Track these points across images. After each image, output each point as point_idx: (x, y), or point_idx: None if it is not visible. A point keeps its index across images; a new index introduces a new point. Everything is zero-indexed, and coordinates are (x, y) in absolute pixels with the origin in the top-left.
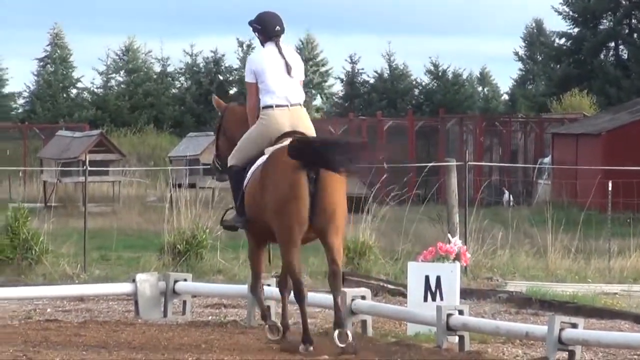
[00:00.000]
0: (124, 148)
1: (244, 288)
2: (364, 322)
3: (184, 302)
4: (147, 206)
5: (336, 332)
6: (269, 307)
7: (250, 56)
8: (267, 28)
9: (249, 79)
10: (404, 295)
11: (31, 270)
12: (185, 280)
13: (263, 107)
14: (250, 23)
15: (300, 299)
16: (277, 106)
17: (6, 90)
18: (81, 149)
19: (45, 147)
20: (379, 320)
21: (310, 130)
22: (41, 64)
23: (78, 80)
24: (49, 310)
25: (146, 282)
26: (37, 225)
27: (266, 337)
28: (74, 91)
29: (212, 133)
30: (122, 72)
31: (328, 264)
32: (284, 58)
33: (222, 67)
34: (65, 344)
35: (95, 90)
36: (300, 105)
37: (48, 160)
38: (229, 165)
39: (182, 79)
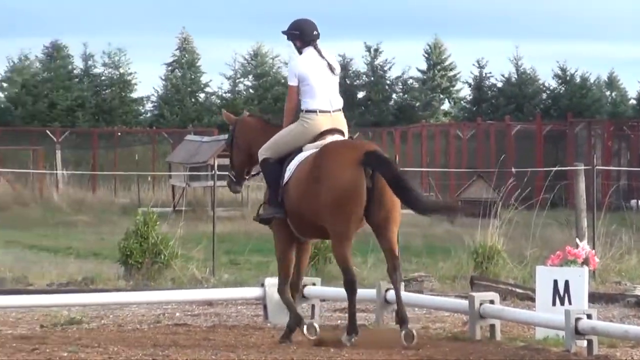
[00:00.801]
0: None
1: (372, 292)
2: (492, 326)
3: (313, 306)
4: None
5: (403, 333)
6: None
7: (294, 61)
8: (305, 33)
9: (292, 82)
10: (532, 300)
11: (160, 275)
12: (313, 284)
13: (306, 110)
14: (287, 31)
15: (352, 291)
16: (320, 111)
17: (135, 94)
18: (210, 153)
19: (174, 151)
20: (507, 324)
21: (347, 134)
22: (169, 68)
23: (206, 84)
24: (177, 314)
25: (275, 286)
26: (166, 229)
27: (307, 338)
28: (202, 95)
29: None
30: (250, 77)
31: (388, 258)
32: (325, 59)
33: (350, 72)
34: (194, 347)
35: (223, 94)
36: (340, 110)
37: (177, 165)
38: (262, 157)
39: None
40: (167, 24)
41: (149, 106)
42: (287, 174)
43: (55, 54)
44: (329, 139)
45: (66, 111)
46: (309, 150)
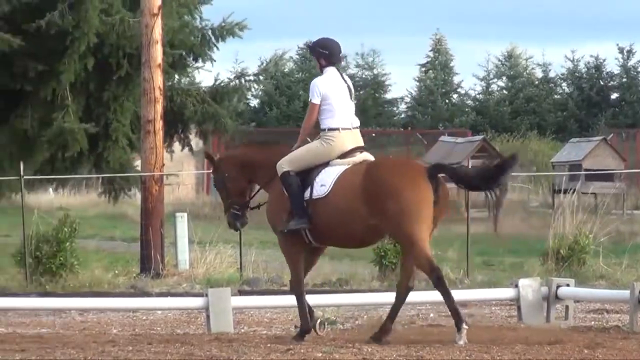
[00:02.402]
0: (505, 154)
1: (626, 294)
2: None
3: (567, 307)
4: (530, 211)
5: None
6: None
7: (318, 80)
8: (333, 54)
9: (315, 100)
10: None
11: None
12: (567, 285)
13: (329, 129)
14: (315, 47)
15: (442, 285)
16: (343, 129)
17: (389, 95)
18: (464, 154)
19: (428, 152)
20: None
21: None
22: (423, 69)
23: (458, 85)
24: (432, 315)
25: (529, 287)
26: None
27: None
28: (455, 97)
29: (593, 139)
30: (503, 78)
31: (407, 279)
32: (346, 82)
33: (604, 73)
34: (447, 348)
35: (476, 96)
36: (358, 128)
37: None
38: (283, 170)
39: (564, 84)
40: (421, 25)
41: (402, 107)
42: (321, 188)
43: (309, 54)
44: (359, 156)
45: None
46: (341, 166)
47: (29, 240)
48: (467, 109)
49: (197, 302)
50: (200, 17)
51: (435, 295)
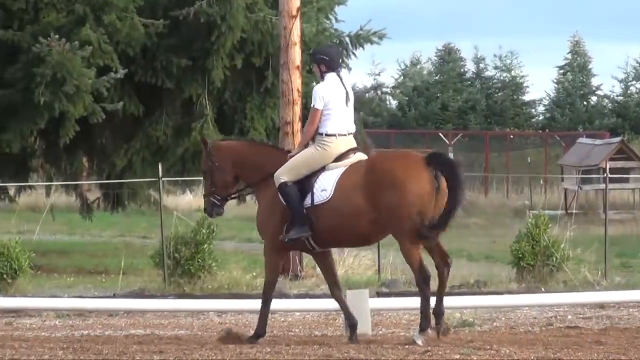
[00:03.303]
0: None
1: None
2: None
3: None
4: None
5: (438, 328)
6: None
7: (321, 85)
8: (334, 60)
9: (318, 105)
10: None
11: (552, 277)
12: None
13: (327, 134)
14: (316, 54)
15: (427, 288)
16: (339, 135)
17: (527, 97)
18: (602, 156)
19: (565, 154)
20: None
21: None
22: (561, 71)
23: (597, 87)
24: (569, 317)
25: None
26: (558, 232)
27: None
28: (594, 99)
29: None
30: None
31: (441, 255)
32: (345, 88)
33: None
34: (585, 350)
35: (615, 97)
36: (352, 134)
37: (569, 168)
38: (281, 182)
39: None
40: (559, 27)
41: (540, 109)
42: (322, 194)
43: (447, 56)
44: (354, 157)
45: (457, 113)
46: (338, 168)
47: (167, 242)
48: (606, 111)
49: (335, 304)
50: (336, 19)
51: (572, 297)
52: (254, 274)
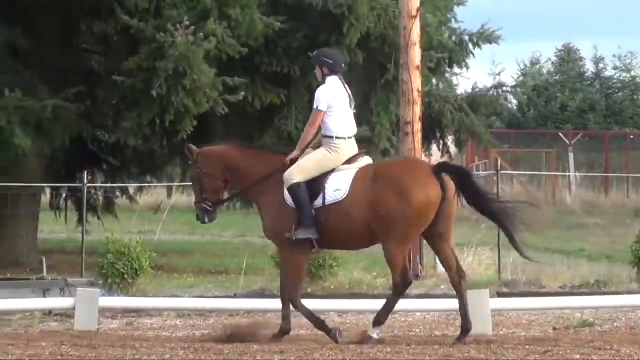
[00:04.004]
0: None
1: None
2: None
3: None
4: None
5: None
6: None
7: (325, 88)
8: (337, 64)
9: (322, 107)
10: None
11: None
12: None
13: (336, 137)
14: (319, 56)
15: (404, 292)
16: (347, 138)
17: None
18: None
19: None
20: None
21: None
22: None
23: None
24: None
25: None
26: None
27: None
28: None
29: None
30: None
31: (455, 267)
32: (347, 92)
33: None
34: None
35: None
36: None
37: None
38: (293, 182)
39: None
40: None
41: None
42: (336, 193)
43: (567, 56)
44: (363, 160)
45: (577, 113)
46: (350, 170)
47: None
48: None
49: (455, 304)
50: (455, 19)
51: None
52: (375, 274)
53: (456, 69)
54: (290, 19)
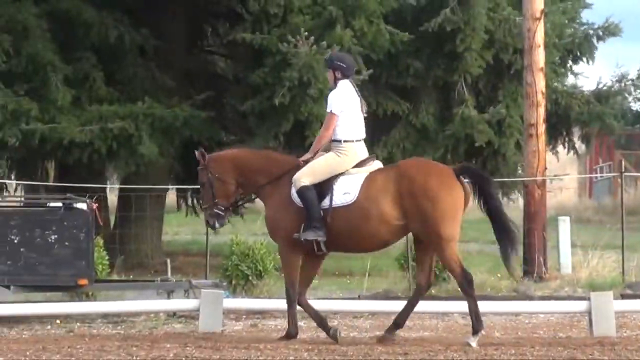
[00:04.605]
0: None
1: None
2: None
3: None
4: None
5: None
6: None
7: (337, 92)
8: (349, 68)
9: (336, 111)
10: None
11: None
12: None
13: (344, 140)
14: (332, 60)
15: (473, 289)
16: (356, 141)
17: None
18: None
19: None
20: None
21: None
22: None
23: None
24: None
25: None
26: None
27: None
28: None
29: None
30: None
31: (428, 274)
32: (359, 96)
33: None
34: None
35: None
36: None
37: None
38: (302, 184)
39: None
40: None
41: None
42: (345, 196)
43: None
44: (374, 164)
45: None
46: (360, 174)
47: (412, 244)
48: None
49: (579, 305)
50: (580, 19)
51: None
52: (499, 275)
53: (581, 66)
54: (409, 38)
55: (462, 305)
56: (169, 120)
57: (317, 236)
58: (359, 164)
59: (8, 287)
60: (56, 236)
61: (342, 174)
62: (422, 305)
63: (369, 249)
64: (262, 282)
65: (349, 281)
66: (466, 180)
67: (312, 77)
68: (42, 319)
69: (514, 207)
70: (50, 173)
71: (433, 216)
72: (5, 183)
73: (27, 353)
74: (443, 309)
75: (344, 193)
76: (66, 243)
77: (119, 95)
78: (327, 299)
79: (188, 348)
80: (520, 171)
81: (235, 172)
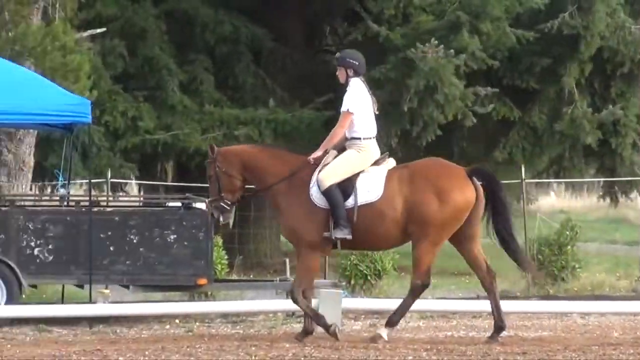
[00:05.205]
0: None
1: None
2: None
3: None
4: None
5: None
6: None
7: (352, 90)
8: (361, 65)
9: (353, 109)
10: None
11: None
12: None
13: (364, 138)
14: (345, 57)
15: (420, 294)
16: (373, 138)
17: None
18: None
19: None
20: None
21: None
22: None
23: None
24: None
25: None
26: None
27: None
28: None
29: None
30: None
31: (485, 269)
32: (370, 94)
33: None
34: None
35: None
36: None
37: None
38: (327, 185)
39: None
40: None
41: None
42: (369, 194)
43: None
44: (389, 162)
45: None
46: (379, 172)
47: (530, 244)
48: None
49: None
50: None
51: None
52: (618, 275)
53: None
54: (533, 37)
55: (581, 305)
56: (293, 124)
57: (345, 235)
58: (376, 162)
59: (127, 286)
60: (175, 236)
61: (362, 171)
62: (541, 305)
63: (390, 246)
64: (381, 282)
65: (467, 281)
66: (479, 182)
67: (438, 81)
68: (161, 318)
69: (632, 206)
70: (169, 173)
71: (440, 213)
72: (122, 184)
73: (146, 352)
74: (561, 309)
75: (368, 191)
76: (185, 243)
77: (229, 101)
78: (445, 298)
79: (307, 348)
80: (637, 170)
81: (241, 168)
